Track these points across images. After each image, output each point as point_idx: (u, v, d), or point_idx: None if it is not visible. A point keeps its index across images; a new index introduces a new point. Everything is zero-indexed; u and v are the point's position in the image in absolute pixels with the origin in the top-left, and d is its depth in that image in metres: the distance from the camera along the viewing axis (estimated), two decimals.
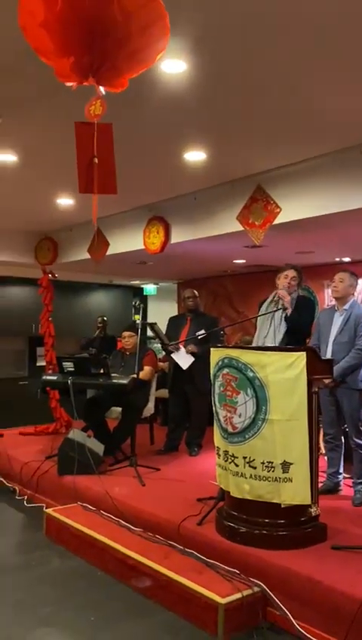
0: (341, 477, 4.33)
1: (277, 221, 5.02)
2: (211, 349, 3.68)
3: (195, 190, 5.63)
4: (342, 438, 4.32)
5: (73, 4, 1.66)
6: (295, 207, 4.92)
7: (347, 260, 7.36)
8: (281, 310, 4.15)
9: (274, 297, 4.26)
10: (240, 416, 3.32)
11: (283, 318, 4.16)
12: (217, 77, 3.23)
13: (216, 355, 3.57)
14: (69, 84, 1.92)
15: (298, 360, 3.24)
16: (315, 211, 4.79)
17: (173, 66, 3.06)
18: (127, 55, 1.82)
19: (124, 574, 3.38)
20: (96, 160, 1.96)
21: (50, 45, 1.78)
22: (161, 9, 1.75)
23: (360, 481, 4.09)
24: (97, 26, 1.71)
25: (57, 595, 3.27)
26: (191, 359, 5.33)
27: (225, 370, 3.42)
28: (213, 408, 3.62)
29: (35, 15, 1.71)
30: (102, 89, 1.95)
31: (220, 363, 3.49)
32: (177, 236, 6.12)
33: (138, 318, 5.62)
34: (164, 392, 6.26)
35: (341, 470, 4.32)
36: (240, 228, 5.29)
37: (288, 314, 4.12)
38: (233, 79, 3.26)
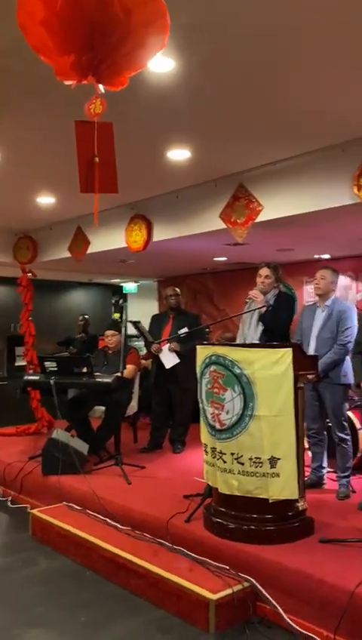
0: (324, 471, 4.38)
1: (259, 219, 5.06)
2: (197, 346, 3.69)
3: (178, 188, 5.63)
4: (325, 432, 4.38)
5: (74, 2, 1.65)
6: (277, 205, 4.97)
7: (326, 256, 7.45)
8: (258, 309, 4.24)
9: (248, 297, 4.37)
10: (227, 412, 3.34)
11: (258, 317, 4.24)
12: (203, 76, 3.24)
13: (202, 352, 3.58)
14: (68, 82, 1.90)
15: (284, 356, 3.27)
16: (297, 209, 4.85)
17: (159, 63, 3.04)
18: (127, 52, 1.80)
19: (113, 573, 3.37)
20: (97, 159, 1.94)
21: (50, 44, 1.76)
22: (162, 6, 1.75)
23: (344, 475, 4.15)
24: (98, 23, 1.69)
25: (47, 596, 3.25)
26: (176, 360, 5.33)
27: (213, 368, 3.44)
28: (200, 405, 3.63)
29: (34, 14, 1.68)
30: (101, 87, 1.93)
31: (207, 360, 3.50)
32: (159, 234, 6.11)
33: (118, 316, 5.59)
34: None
35: (324, 464, 4.38)
36: (222, 226, 5.32)
37: (261, 312, 4.20)
38: (218, 78, 3.27)
